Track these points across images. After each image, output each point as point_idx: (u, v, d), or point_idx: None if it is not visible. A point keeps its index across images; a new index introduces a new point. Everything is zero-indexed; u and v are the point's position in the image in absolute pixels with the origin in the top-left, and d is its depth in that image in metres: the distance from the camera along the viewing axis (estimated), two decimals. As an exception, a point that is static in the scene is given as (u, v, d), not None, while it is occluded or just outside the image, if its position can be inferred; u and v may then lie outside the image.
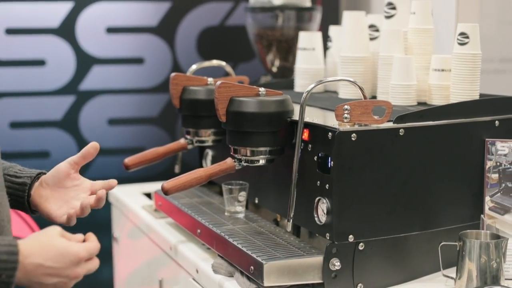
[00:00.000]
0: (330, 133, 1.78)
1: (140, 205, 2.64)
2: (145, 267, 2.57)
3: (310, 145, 1.87)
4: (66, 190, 1.82)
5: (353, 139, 1.78)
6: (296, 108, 1.93)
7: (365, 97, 1.85)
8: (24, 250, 1.48)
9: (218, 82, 1.90)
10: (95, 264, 1.59)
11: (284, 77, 3.01)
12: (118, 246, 2.86)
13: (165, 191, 1.89)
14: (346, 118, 1.79)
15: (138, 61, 3.28)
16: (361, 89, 1.85)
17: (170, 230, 2.34)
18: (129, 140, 3.24)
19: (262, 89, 1.92)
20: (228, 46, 3.37)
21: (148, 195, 2.78)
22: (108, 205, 2.90)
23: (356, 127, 1.79)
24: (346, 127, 1.79)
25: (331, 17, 3.33)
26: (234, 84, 1.92)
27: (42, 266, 1.49)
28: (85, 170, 3.21)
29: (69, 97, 3.21)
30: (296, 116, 1.89)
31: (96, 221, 3.11)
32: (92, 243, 1.58)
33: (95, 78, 3.23)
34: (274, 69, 3.03)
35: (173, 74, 2.23)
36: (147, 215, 2.51)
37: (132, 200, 2.71)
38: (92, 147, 1.81)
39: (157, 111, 3.28)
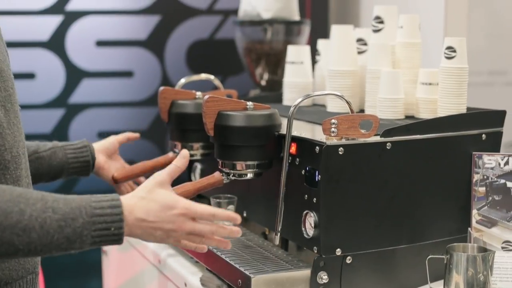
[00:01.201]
0: (317, 147, 1.79)
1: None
2: (134, 281, 2.57)
3: (297, 159, 1.87)
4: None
5: (340, 153, 1.78)
6: (284, 122, 1.93)
7: (352, 111, 1.86)
8: (127, 205, 1.56)
9: (206, 96, 1.91)
10: (208, 227, 1.64)
11: (273, 91, 3.01)
12: (107, 259, 2.85)
13: (153, 205, 1.89)
14: (333, 132, 1.80)
15: (127, 74, 3.28)
16: (348, 103, 1.86)
17: (159, 244, 2.34)
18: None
19: (249, 103, 1.92)
20: (217, 60, 3.38)
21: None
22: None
23: (343, 141, 1.80)
24: (333, 141, 1.79)
25: (320, 31, 3.35)
26: (221, 98, 1.92)
27: (145, 220, 1.57)
28: (74, 184, 3.22)
29: (58, 110, 3.22)
30: (284, 130, 1.90)
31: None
32: (201, 206, 1.62)
33: (84, 91, 3.24)
34: (263, 83, 3.04)
35: (161, 88, 2.24)
36: (136, 228, 2.51)
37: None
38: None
39: (146, 124, 3.29)
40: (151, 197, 1.60)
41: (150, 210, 1.58)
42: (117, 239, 1.54)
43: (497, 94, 3.24)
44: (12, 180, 1.64)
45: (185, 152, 1.74)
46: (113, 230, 1.52)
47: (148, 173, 2.27)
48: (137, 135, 2.37)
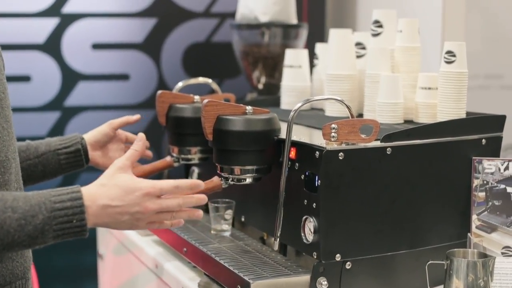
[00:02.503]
0: (317, 152, 1.78)
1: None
2: (130, 285, 2.55)
3: (297, 164, 1.86)
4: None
5: (340, 158, 1.77)
6: (283, 126, 1.92)
7: (352, 116, 1.85)
8: (88, 194, 1.55)
9: (205, 101, 1.90)
10: (174, 201, 1.64)
11: (270, 94, 3.01)
12: (103, 263, 2.84)
13: (152, 209, 1.88)
14: (333, 137, 1.79)
15: (123, 77, 3.27)
16: (348, 108, 1.85)
17: (156, 248, 2.33)
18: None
19: (249, 108, 1.91)
20: (214, 63, 3.37)
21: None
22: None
23: (344, 146, 1.79)
24: (334, 146, 1.78)
25: (317, 34, 3.34)
26: (221, 102, 1.91)
27: (109, 206, 1.56)
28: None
29: (54, 113, 3.20)
30: (283, 135, 1.89)
31: (82, 238, 3.10)
32: (163, 181, 1.62)
33: (80, 94, 3.22)
34: (260, 86, 3.03)
35: (159, 92, 2.23)
36: (133, 232, 2.50)
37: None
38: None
39: (142, 128, 3.27)
40: (113, 182, 1.59)
41: (113, 195, 1.57)
42: (80, 231, 1.54)
43: (493, 97, 3.24)
44: (0, 185, 1.64)
45: (141, 135, 1.73)
46: (75, 223, 1.53)
47: (145, 177, 2.25)
48: (137, 117, 2.27)
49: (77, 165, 2.16)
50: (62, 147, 2.14)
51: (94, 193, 1.56)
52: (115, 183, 1.59)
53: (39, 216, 1.50)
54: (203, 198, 1.70)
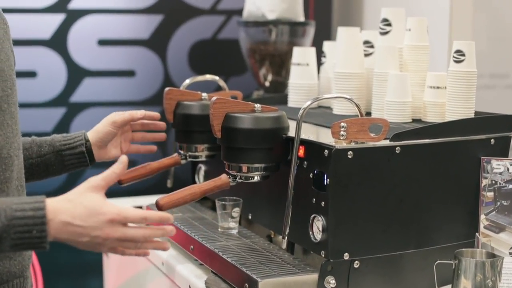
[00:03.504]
0: (326, 151, 1.77)
1: (131, 219, 2.61)
2: (135, 282, 2.55)
3: (305, 162, 1.86)
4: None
5: (349, 156, 1.77)
6: (291, 124, 1.92)
7: (361, 115, 1.84)
8: (52, 207, 1.49)
9: (214, 98, 1.89)
10: (139, 232, 1.56)
11: (277, 92, 3.00)
12: (108, 260, 2.84)
13: (160, 207, 1.88)
14: (342, 135, 1.78)
15: (129, 73, 3.27)
16: (358, 106, 1.85)
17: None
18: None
19: (257, 105, 1.91)
20: (220, 60, 3.36)
21: (139, 208, 2.75)
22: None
23: (353, 145, 1.79)
24: (343, 144, 1.78)
25: (323, 32, 3.33)
26: (229, 100, 1.91)
27: (70, 224, 1.49)
28: (78, 178, 3.20)
29: (60, 109, 3.20)
30: (291, 133, 1.88)
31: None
32: (131, 210, 1.55)
33: (86, 90, 3.22)
34: (267, 84, 3.03)
35: (167, 89, 2.22)
36: (139, 229, 2.49)
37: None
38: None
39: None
40: (80, 200, 1.52)
41: (76, 214, 1.50)
42: (40, 242, 1.48)
43: (499, 96, 3.23)
44: (0, 182, 1.62)
45: (123, 158, 1.62)
46: (35, 233, 1.47)
47: (152, 174, 2.25)
48: (141, 113, 2.16)
49: (82, 165, 2.12)
50: (66, 148, 2.09)
51: (59, 208, 1.50)
52: (82, 202, 1.52)
53: None
54: (170, 230, 1.62)
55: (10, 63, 1.72)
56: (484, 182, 1.96)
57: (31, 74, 3.15)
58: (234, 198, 2.13)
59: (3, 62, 1.68)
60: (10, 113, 1.67)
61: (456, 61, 2.07)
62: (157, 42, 3.28)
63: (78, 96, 3.22)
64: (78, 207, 1.51)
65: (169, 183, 2.45)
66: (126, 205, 1.66)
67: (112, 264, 2.81)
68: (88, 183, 1.55)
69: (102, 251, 1.58)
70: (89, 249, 1.55)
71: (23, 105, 3.17)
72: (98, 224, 1.51)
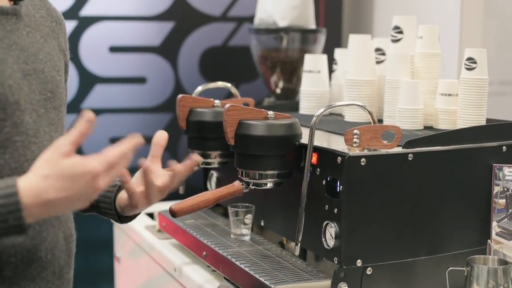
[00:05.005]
0: (339, 158, 1.78)
1: (142, 225, 2.63)
2: (147, 288, 2.56)
3: (318, 169, 1.87)
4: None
5: (362, 163, 1.78)
6: (303, 131, 1.93)
7: (374, 122, 1.86)
8: (28, 189, 1.36)
9: (227, 105, 1.90)
10: (118, 169, 1.42)
11: (288, 99, 3.01)
12: (120, 266, 2.85)
13: (173, 214, 1.89)
14: (355, 142, 1.79)
15: (140, 80, 3.28)
16: (370, 114, 1.86)
17: (174, 251, 2.34)
18: (131, 160, 3.24)
19: (270, 113, 1.92)
20: (231, 67, 3.37)
21: (150, 215, 2.77)
22: (110, 224, 2.89)
23: (366, 152, 1.80)
24: (356, 151, 1.79)
25: (334, 40, 3.34)
26: (243, 107, 1.92)
27: (59, 199, 1.37)
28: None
29: (71, 115, 3.20)
30: (304, 140, 1.90)
31: (98, 240, 3.11)
32: (107, 153, 1.41)
33: (97, 97, 3.23)
34: (278, 91, 3.04)
35: (180, 96, 2.23)
36: (150, 235, 2.51)
37: (134, 220, 2.69)
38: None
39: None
40: (58, 172, 1.37)
41: (59, 187, 1.36)
42: (19, 230, 1.38)
43: (509, 103, 3.24)
44: None
45: (88, 115, 1.43)
46: (11, 222, 1.36)
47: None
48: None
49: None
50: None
51: (37, 186, 1.36)
52: (61, 173, 1.36)
53: None
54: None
55: (53, 63, 1.63)
56: (496, 189, 1.97)
57: (43, 81, 3.16)
58: (247, 204, 2.14)
59: (43, 63, 1.59)
60: (48, 119, 1.58)
61: (467, 69, 2.08)
62: (168, 49, 3.29)
63: (90, 102, 3.23)
64: (60, 180, 1.37)
65: (181, 190, 2.46)
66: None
67: (123, 270, 2.82)
68: (57, 150, 1.38)
69: (97, 193, 1.41)
70: (80, 207, 1.43)
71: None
72: (87, 183, 1.37)
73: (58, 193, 1.37)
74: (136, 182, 1.68)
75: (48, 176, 1.37)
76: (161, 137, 1.76)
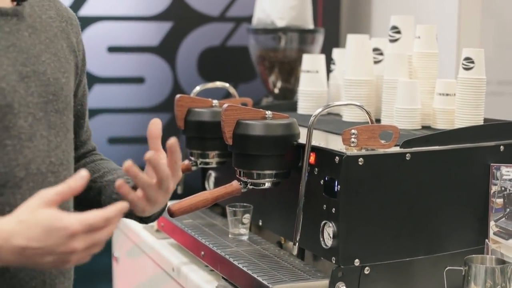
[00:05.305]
0: (337, 157, 1.79)
1: (140, 225, 2.63)
2: (146, 288, 2.57)
3: (316, 169, 1.87)
4: None
5: (360, 163, 1.78)
6: (301, 131, 1.93)
7: (372, 122, 1.86)
8: (3, 231, 1.31)
9: (225, 105, 1.91)
10: (104, 233, 1.34)
11: (286, 99, 3.01)
12: (118, 266, 2.85)
13: (171, 213, 1.89)
14: (353, 142, 1.79)
15: (139, 80, 3.28)
16: (368, 114, 1.86)
17: (172, 251, 2.34)
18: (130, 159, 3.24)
19: (268, 112, 1.92)
20: (229, 67, 3.38)
21: (149, 215, 2.77)
22: (108, 224, 2.88)
23: (363, 152, 1.80)
24: (354, 151, 1.79)
25: (332, 40, 3.34)
26: (240, 107, 1.92)
27: (28, 248, 1.31)
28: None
29: (69, 116, 3.21)
30: (302, 140, 1.90)
31: None
32: (89, 214, 1.33)
33: (96, 97, 3.23)
34: (276, 91, 3.04)
35: (178, 96, 2.24)
36: (149, 235, 2.51)
37: (132, 220, 2.69)
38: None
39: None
40: (33, 220, 1.31)
41: (32, 235, 1.30)
42: None
43: (506, 103, 3.24)
44: (24, 201, 1.37)
45: (83, 173, 1.36)
46: None
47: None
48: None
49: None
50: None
51: (9, 230, 1.31)
52: (36, 221, 1.31)
53: None
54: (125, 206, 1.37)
55: (59, 65, 1.58)
56: (493, 188, 1.97)
57: (41, 81, 3.16)
58: (245, 204, 2.14)
59: (46, 64, 1.55)
60: (47, 122, 1.52)
61: (465, 68, 2.08)
62: (166, 49, 3.29)
63: (88, 102, 3.22)
64: (32, 228, 1.31)
65: (179, 190, 2.46)
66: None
67: (122, 270, 2.82)
68: (40, 198, 1.34)
69: (70, 265, 1.36)
70: (53, 267, 1.39)
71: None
72: (60, 240, 1.31)
73: (28, 241, 1.31)
74: (146, 178, 1.60)
75: (23, 221, 1.32)
76: (153, 129, 1.66)
